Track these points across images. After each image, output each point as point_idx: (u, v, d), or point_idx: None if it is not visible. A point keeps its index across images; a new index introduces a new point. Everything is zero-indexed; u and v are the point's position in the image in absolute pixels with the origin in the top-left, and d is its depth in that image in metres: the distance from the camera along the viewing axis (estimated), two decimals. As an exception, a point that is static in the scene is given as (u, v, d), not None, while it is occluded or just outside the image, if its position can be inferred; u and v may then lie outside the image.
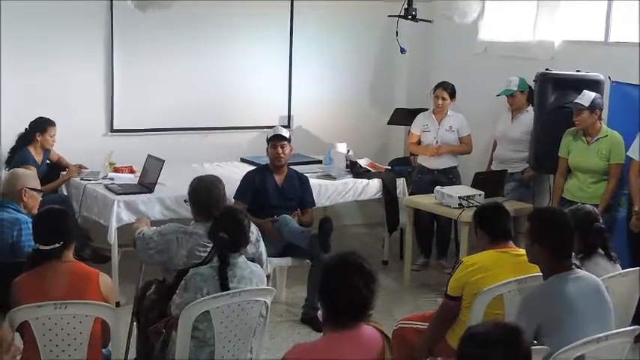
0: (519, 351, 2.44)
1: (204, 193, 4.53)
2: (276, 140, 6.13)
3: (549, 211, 4.01)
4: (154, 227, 4.60)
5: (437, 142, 7.13)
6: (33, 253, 3.84)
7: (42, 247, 3.75)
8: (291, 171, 6.27)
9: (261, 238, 4.77)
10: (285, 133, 6.25)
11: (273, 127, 6.58)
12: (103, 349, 3.84)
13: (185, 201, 4.77)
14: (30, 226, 4.35)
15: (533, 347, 3.21)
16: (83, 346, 3.64)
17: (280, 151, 6.10)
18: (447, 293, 4.21)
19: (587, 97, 5.88)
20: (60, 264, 3.75)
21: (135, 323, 4.61)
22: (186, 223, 4.62)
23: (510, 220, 4.29)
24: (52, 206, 4.08)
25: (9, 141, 6.64)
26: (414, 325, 4.49)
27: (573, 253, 3.80)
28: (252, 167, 6.82)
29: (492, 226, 4.27)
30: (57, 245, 3.74)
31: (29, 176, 4.78)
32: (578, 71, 6.34)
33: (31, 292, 3.65)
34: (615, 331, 3.47)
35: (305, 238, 5.74)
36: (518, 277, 4.01)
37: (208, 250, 4.28)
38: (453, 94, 7.10)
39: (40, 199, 4.73)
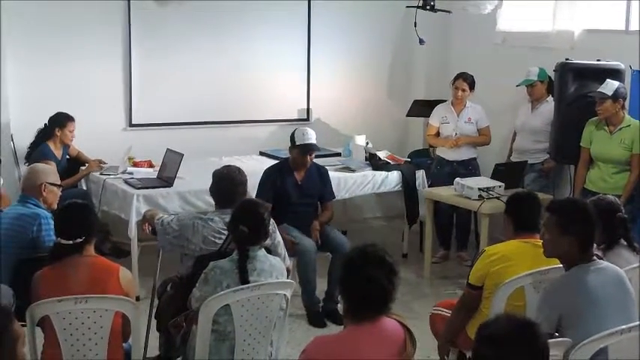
0: (535, 347, 2.40)
1: (227, 182, 4.55)
2: (308, 149, 5.98)
3: (576, 202, 3.93)
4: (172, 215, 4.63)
5: (456, 133, 7.09)
6: (55, 248, 3.85)
7: (64, 242, 3.76)
8: (311, 166, 6.16)
9: (277, 230, 4.76)
10: (314, 137, 6.06)
11: (291, 120, 6.52)
12: (124, 344, 3.84)
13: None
14: (50, 220, 4.38)
15: (555, 339, 3.21)
16: (104, 340, 3.65)
17: (308, 159, 6.01)
18: (468, 282, 4.19)
19: (610, 86, 5.82)
20: (81, 258, 3.76)
21: (155, 320, 4.61)
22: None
23: (540, 212, 4.19)
24: (75, 201, 4.09)
25: (28, 136, 6.67)
26: (442, 313, 4.49)
27: (595, 244, 3.77)
28: (270, 161, 6.82)
29: (519, 215, 4.24)
30: (79, 240, 3.76)
31: (49, 171, 4.79)
32: (598, 61, 6.28)
33: (51, 287, 3.66)
34: (639, 322, 3.43)
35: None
36: (540, 269, 3.98)
37: (223, 237, 4.29)
38: (472, 85, 7.06)
39: (60, 194, 4.74)
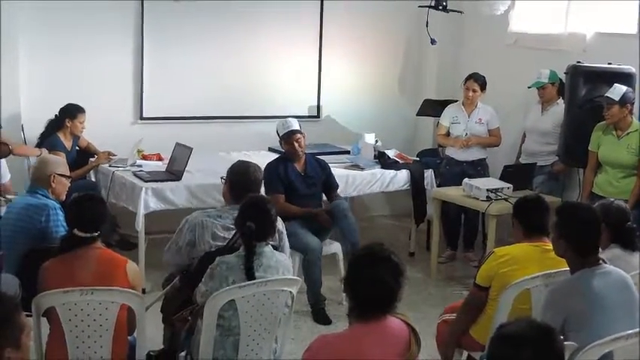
0: (552, 351, 2.40)
1: (244, 177, 4.55)
2: (291, 135, 6.05)
3: (575, 207, 3.96)
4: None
5: (466, 134, 7.08)
6: (68, 239, 3.85)
7: (79, 234, 3.77)
8: (308, 156, 6.21)
9: (284, 231, 4.76)
10: (295, 123, 6.17)
11: (301, 117, 6.53)
12: (129, 336, 3.86)
13: (222, 178, 4.77)
14: (59, 211, 4.41)
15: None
16: (109, 332, 3.66)
17: (297, 145, 6.04)
18: (475, 282, 4.20)
19: (617, 90, 5.80)
20: (89, 250, 3.78)
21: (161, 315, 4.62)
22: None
23: (548, 215, 4.20)
24: (91, 193, 4.11)
25: (39, 127, 6.69)
26: (448, 318, 4.50)
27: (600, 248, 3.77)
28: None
29: (527, 219, 4.24)
30: (95, 234, 3.78)
31: (58, 162, 4.82)
32: (609, 64, 6.26)
33: (58, 278, 3.68)
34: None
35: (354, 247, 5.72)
36: (546, 272, 3.98)
37: (232, 233, 4.29)
38: (483, 86, 7.05)
39: (69, 185, 4.76)
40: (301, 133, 6.11)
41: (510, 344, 2.40)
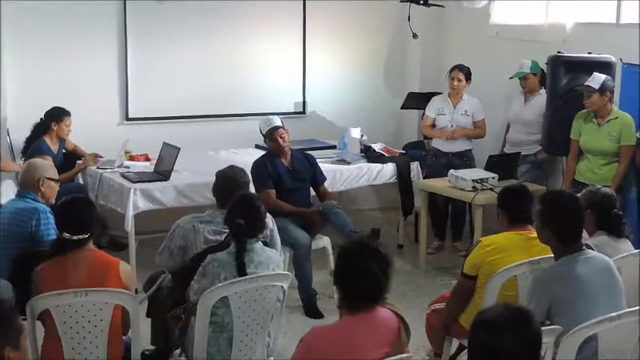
0: (530, 334, 2.46)
1: (230, 183, 4.59)
2: (273, 132, 6.09)
3: (558, 195, 4.04)
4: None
5: (452, 125, 7.14)
6: (57, 242, 3.89)
7: (69, 237, 3.80)
8: (294, 152, 6.25)
9: (275, 226, 4.81)
10: (277, 119, 6.22)
11: (287, 113, 6.57)
12: (124, 336, 3.89)
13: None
14: (49, 215, 4.43)
15: (546, 327, 3.28)
16: (104, 333, 3.70)
17: (281, 141, 6.07)
18: (463, 272, 4.27)
19: (597, 79, 5.88)
20: (81, 252, 3.80)
21: (147, 312, 4.66)
22: (202, 210, 4.70)
23: (532, 203, 4.26)
24: (78, 196, 4.14)
25: (25, 131, 6.68)
26: (433, 307, 4.57)
27: (586, 234, 3.85)
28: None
29: (512, 208, 4.31)
30: (84, 236, 3.81)
31: (47, 166, 4.83)
32: (589, 53, 6.33)
33: (52, 280, 3.71)
34: (628, 310, 3.50)
35: (351, 234, 5.76)
36: (532, 259, 4.05)
37: (223, 236, 4.33)
38: (468, 76, 7.10)
39: (58, 188, 4.78)
40: (284, 128, 6.15)
41: (488, 329, 2.45)
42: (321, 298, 6.04)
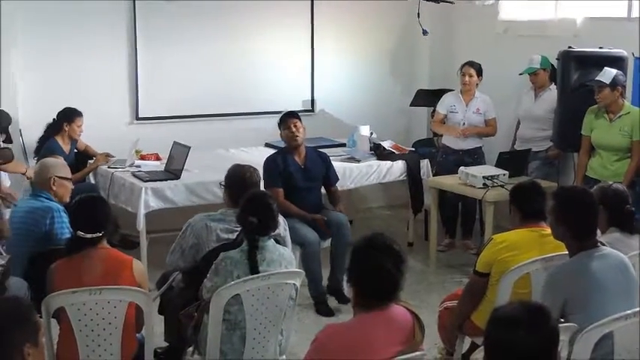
0: (547, 331, 2.44)
1: (240, 181, 4.56)
2: (287, 119, 6.07)
3: (571, 190, 4.01)
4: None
5: (464, 123, 7.13)
6: (72, 240, 3.91)
7: (83, 235, 3.81)
8: (309, 150, 6.23)
9: (287, 227, 4.81)
10: (295, 113, 6.23)
11: (299, 112, 6.58)
12: (137, 334, 3.91)
13: (220, 184, 4.81)
14: (62, 214, 4.45)
15: (561, 324, 3.26)
16: (118, 330, 3.71)
17: (294, 129, 6.02)
18: (475, 269, 4.25)
19: (608, 74, 5.86)
20: (95, 251, 3.82)
21: (159, 309, 4.67)
22: (212, 209, 4.69)
23: (544, 200, 4.22)
24: (93, 195, 4.15)
25: (37, 131, 6.72)
26: (445, 305, 4.56)
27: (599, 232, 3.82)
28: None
29: (524, 205, 4.29)
30: (99, 234, 3.82)
31: (58, 165, 4.84)
32: (600, 48, 6.31)
33: (67, 279, 3.73)
34: (643, 307, 3.48)
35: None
36: (545, 256, 4.04)
37: (235, 235, 4.33)
38: (479, 72, 7.08)
39: (72, 187, 4.79)
40: (300, 122, 6.11)
41: (505, 326, 2.44)
42: (331, 296, 6.03)
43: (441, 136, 7.44)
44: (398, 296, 3.08)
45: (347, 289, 3.17)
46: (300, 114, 6.24)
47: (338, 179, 6.42)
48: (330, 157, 6.59)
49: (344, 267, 5.33)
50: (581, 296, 3.52)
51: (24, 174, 6.30)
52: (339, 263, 5.91)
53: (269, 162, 6.08)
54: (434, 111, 7.42)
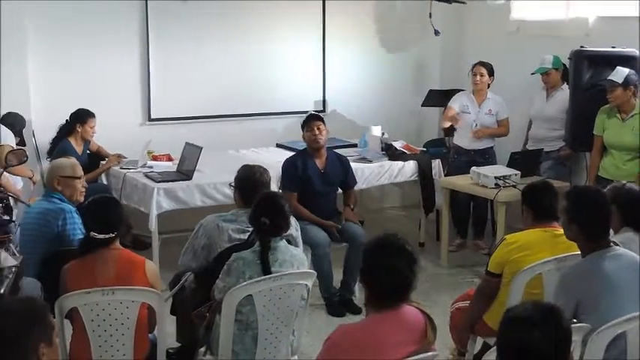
0: (560, 331, 2.44)
1: (250, 182, 4.57)
2: (311, 121, 6.05)
3: (584, 190, 4.00)
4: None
5: (476, 125, 7.12)
6: (85, 241, 3.92)
7: (97, 236, 3.82)
8: (330, 153, 6.20)
9: (299, 228, 4.81)
10: (319, 115, 6.25)
11: (307, 112, 6.61)
12: (149, 335, 3.92)
13: (230, 184, 4.82)
14: (74, 215, 4.46)
15: (574, 325, 3.25)
16: (130, 331, 3.72)
17: (317, 132, 5.99)
18: (487, 270, 4.25)
19: (620, 73, 5.84)
20: (108, 251, 3.83)
21: (171, 310, 4.68)
22: (224, 209, 4.70)
23: (557, 200, 4.24)
24: (106, 195, 4.16)
25: (50, 132, 6.75)
26: (457, 305, 4.56)
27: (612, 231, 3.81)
28: (287, 153, 6.79)
29: (537, 205, 4.28)
30: (112, 235, 3.83)
31: (62, 165, 4.77)
32: (613, 47, 6.29)
33: (79, 279, 3.74)
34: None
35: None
36: (558, 256, 4.03)
37: (247, 235, 4.34)
38: (491, 72, 7.08)
39: (86, 185, 4.79)
40: (323, 122, 6.09)
41: (517, 327, 2.44)
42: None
43: (453, 136, 7.44)
44: (410, 296, 3.09)
45: (358, 291, 3.17)
46: (310, 115, 6.24)
47: (356, 183, 6.41)
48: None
49: (356, 278, 5.35)
50: (593, 297, 3.50)
51: (30, 178, 6.32)
52: (351, 274, 5.90)
53: (288, 164, 6.07)
54: (447, 106, 7.39)
